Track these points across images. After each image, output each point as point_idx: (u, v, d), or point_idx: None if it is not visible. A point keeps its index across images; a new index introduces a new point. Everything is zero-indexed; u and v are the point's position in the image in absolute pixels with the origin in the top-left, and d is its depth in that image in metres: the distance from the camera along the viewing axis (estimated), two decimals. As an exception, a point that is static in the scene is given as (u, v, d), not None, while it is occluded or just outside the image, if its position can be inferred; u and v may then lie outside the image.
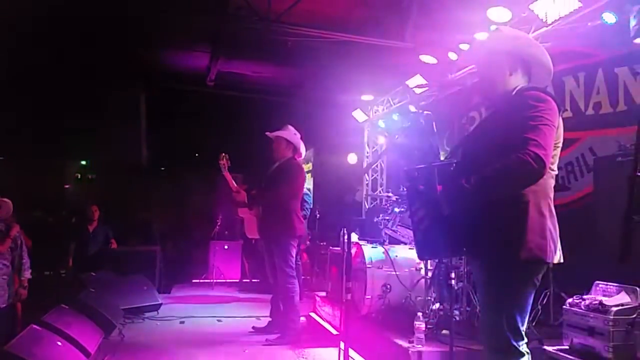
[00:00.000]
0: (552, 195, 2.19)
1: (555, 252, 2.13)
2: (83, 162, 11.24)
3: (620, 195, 3.63)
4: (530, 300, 2.16)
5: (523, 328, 2.12)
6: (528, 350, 2.13)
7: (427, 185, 2.14)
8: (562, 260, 2.19)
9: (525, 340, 2.14)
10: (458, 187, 2.07)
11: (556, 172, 2.23)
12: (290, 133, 4.99)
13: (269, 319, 5.15)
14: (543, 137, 2.02)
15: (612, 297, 3.21)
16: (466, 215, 2.08)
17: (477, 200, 2.07)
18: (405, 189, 4.11)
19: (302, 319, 5.38)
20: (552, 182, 2.20)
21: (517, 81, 2.29)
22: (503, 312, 2.11)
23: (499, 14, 4.89)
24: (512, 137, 2.05)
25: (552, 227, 2.14)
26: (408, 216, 4.45)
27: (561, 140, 2.19)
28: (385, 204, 5.82)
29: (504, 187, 2.07)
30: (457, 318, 4.19)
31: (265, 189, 4.91)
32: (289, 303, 4.75)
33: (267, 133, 5.03)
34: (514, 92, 2.23)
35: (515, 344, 2.09)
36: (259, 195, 4.95)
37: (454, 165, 2.16)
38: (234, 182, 5.00)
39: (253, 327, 5.24)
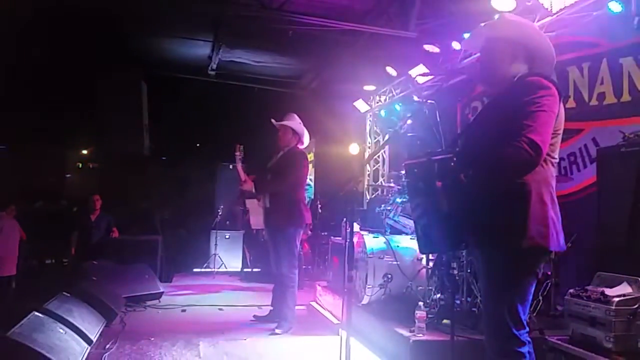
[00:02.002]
0: (554, 183, 2.17)
1: (558, 240, 2.11)
2: (84, 152, 11.23)
3: (623, 186, 3.64)
4: (532, 290, 2.15)
5: (525, 317, 2.12)
6: (529, 340, 2.13)
7: (427, 181, 2.14)
8: (564, 249, 2.18)
9: (527, 329, 2.14)
10: (457, 184, 2.05)
11: (557, 160, 2.21)
12: (296, 122, 4.98)
13: (271, 308, 5.17)
14: (540, 123, 2.00)
15: (613, 287, 3.20)
16: (468, 205, 2.07)
17: (477, 192, 2.05)
18: (406, 182, 4.10)
19: (302, 307, 5.39)
20: (554, 171, 2.18)
21: (519, 69, 2.26)
22: (505, 301, 2.10)
23: (503, 2, 4.84)
24: (512, 124, 2.03)
25: (555, 215, 2.12)
26: (409, 207, 4.44)
27: (562, 128, 2.16)
28: (387, 194, 5.81)
29: (502, 175, 2.06)
30: (459, 308, 4.20)
31: (271, 178, 4.90)
32: (290, 292, 4.76)
33: (273, 121, 5.01)
34: (515, 79, 2.21)
35: (516, 332, 2.08)
36: (263, 183, 4.94)
37: (455, 159, 2.13)
38: (244, 173, 5.00)
39: (254, 316, 5.25)
